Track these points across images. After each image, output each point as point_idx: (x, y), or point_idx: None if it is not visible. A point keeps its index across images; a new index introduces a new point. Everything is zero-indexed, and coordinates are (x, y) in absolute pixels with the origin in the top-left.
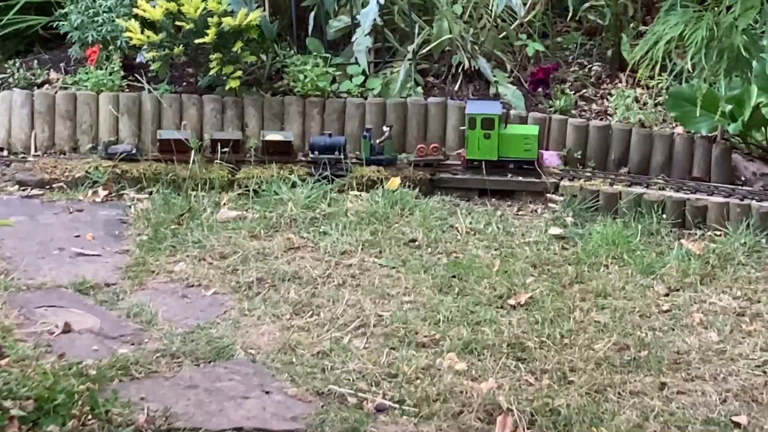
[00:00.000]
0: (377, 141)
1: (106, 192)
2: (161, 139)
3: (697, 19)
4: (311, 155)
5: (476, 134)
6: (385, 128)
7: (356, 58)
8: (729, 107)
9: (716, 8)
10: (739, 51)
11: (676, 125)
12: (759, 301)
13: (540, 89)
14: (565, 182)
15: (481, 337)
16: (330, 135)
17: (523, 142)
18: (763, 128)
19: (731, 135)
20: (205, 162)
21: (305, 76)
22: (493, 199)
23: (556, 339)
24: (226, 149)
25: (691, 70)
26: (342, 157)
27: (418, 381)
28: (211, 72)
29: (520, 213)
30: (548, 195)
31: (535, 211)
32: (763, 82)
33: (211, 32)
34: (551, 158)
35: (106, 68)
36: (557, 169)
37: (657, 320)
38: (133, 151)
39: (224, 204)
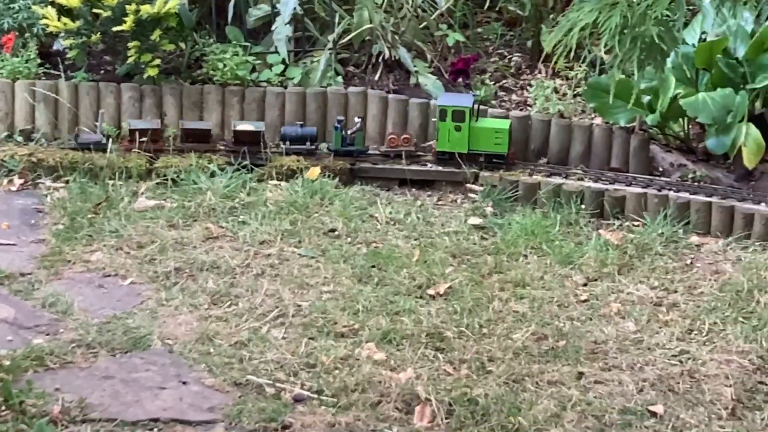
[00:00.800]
0: (349, 132)
1: (21, 181)
2: (132, 129)
3: (611, 6)
4: (282, 145)
5: (447, 126)
6: (356, 119)
7: (276, 47)
8: (647, 98)
9: None
10: (653, 40)
11: (595, 116)
12: (676, 291)
13: (460, 79)
14: (484, 173)
15: (400, 327)
16: (302, 125)
17: (494, 135)
18: (680, 119)
19: (649, 126)
20: (123, 151)
21: (224, 65)
22: (413, 189)
23: (475, 329)
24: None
25: (604, 58)
26: (314, 147)
27: (337, 371)
28: (129, 60)
29: (440, 203)
30: (468, 185)
31: (455, 201)
32: (680, 73)
33: (129, 20)
34: None
35: (22, 56)
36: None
37: (575, 310)
38: (103, 141)
39: (142, 193)
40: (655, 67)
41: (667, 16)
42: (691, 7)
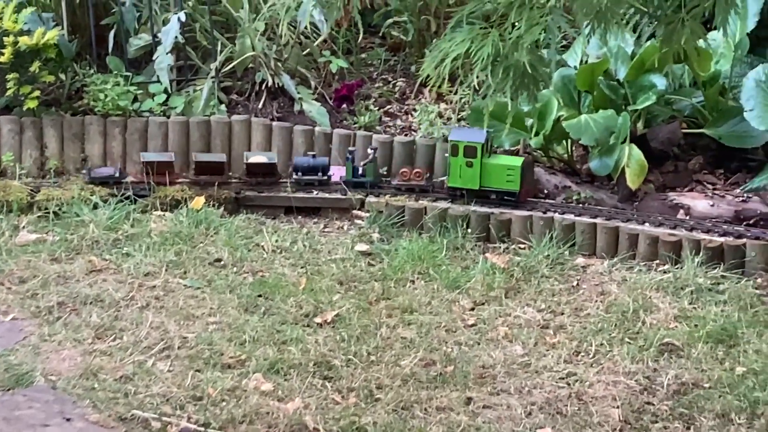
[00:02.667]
0: (361, 163)
1: None
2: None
3: (483, 36)
4: (294, 176)
5: (458, 162)
6: (369, 150)
7: (158, 77)
8: (531, 121)
9: (502, 25)
10: (526, 69)
11: None
12: (562, 313)
13: (344, 106)
14: (371, 198)
15: (287, 356)
16: (314, 156)
17: (506, 172)
18: (564, 141)
19: (533, 148)
20: (2, 185)
21: (106, 95)
22: (300, 217)
23: (363, 356)
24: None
25: (478, 88)
26: (326, 178)
27: (224, 403)
28: (8, 92)
29: (327, 230)
30: (354, 211)
31: (342, 227)
32: (562, 95)
33: (7, 52)
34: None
35: None
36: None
37: (463, 335)
38: (116, 175)
39: (23, 227)
40: (528, 96)
41: (537, 43)
42: (563, 33)
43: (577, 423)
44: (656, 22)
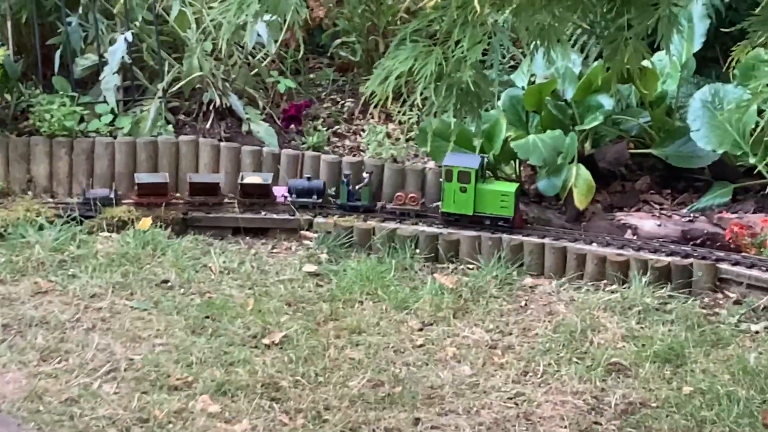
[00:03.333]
0: (356, 187)
1: None
2: (140, 183)
3: (426, 54)
4: (289, 198)
5: (452, 187)
6: (364, 174)
7: (105, 97)
8: (479, 141)
9: (445, 43)
10: (469, 87)
11: (428, 159)
12: (510, 334)
13: (292, 126)
14: (319, 219)
15: (234, 378)
16: (309, 178)
17: (500, 198)
18: (512, 161)
19: None
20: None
21: (52, 116)
22: (248, 237)
23: (311, 377)
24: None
25: (421, 106)
26: (320, 201)
27: (171, 425)
28: None
29: (275, 251)
30: (302, 232)
31: (290, 248)
32: (511, 115)
33: None
34: (279, 194)
35: None
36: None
37: (411, 355)
38: (111, 196)
39: None
40: (471, 115)
41: (481, 61)
42: (512, 54)
43: None
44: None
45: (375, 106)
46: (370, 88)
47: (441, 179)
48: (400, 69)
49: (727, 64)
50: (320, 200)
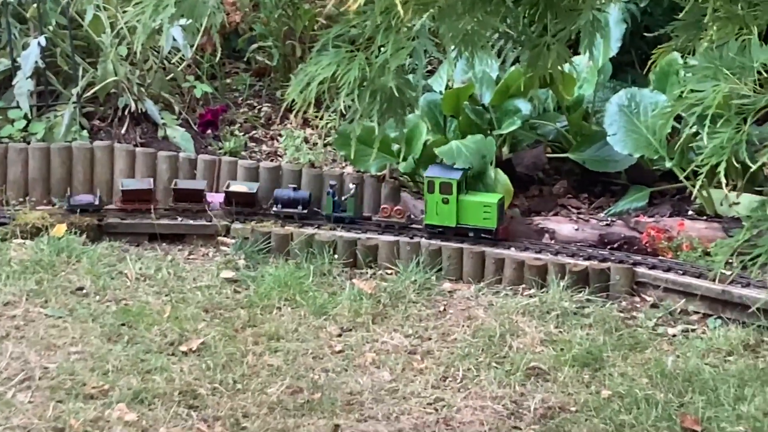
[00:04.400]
0: (342, 198)
1: None
2: (125, 190)
3: (349, 59)
4: (274, 209)
5: (435, 199)
6: (350, 185)
7: (17, 102)
8: (397, 146)
9: (368, 48)
10: (393, 92)
11: (346, 164)
12: (430, 339)
13: (209, 131)
14: (236, 224)
15: (151, 385)
16: (295, 189)
17: (483, 209)
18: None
19: (401, 173)
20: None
21: None
22: (164, 244)
23: (229, 384)
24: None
25: (345, 112)
26: (306, 212)
27: None
28: None
29: (192, 257)
30: (219, 238)
31: (207, 254)
32: (429, 120)
33: None
34: (215, 200)
35: None
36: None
37: (330, 361)
38: (96, 203)
39: None
40: (396, 121)
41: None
42: (429, 58)
43: None
44: (521, 47)
45: (296, 113)
46: (292, 95)
47: (424, 191)
48: (322, 75)
49: (647, 67)
50: (305, 211)
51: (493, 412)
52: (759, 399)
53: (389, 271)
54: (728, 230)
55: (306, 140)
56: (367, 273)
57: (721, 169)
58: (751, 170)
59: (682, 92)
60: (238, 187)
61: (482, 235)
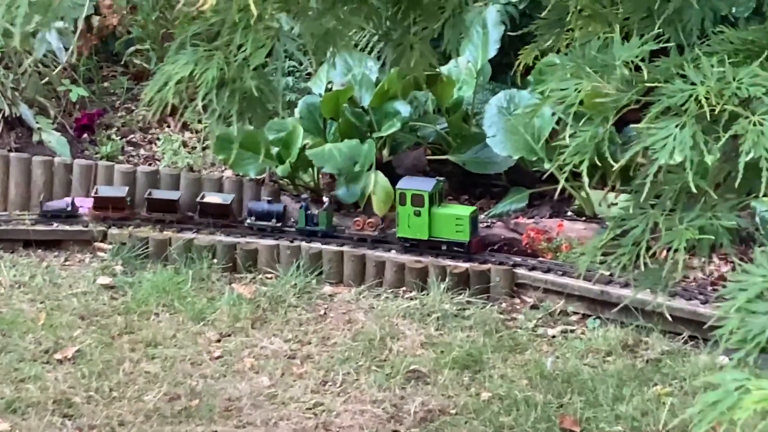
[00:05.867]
0: (316, 211)
1: None
2: (97, 196)
3: (207, 58)
4: (248, 221)
5: (407, 211)
6: (325, 198)
7: None
8: (276, 149)
9: (228, 47)
10: (252, 93)
11: (226, 168)
12: (309, 343)
13: (85, 135)
14: (113, 230)
15: (25, 395)
16: (269, 201)
17: (455, 222)
18: (310, 169)
19: (280, 177)
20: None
21: None
22: (39, 250)
23: (105, 392)
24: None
25: (203, 112)
26: (280, 225)
27: None
28: None
29: (68, 263)
30: (96, 244)
31: (84, 260)
32: (308, 123)
33: None
34: (84, 205)
35: None
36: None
37: (208, 367)
38: (69, 209)
39: None
40: (255, 121)
41: (265, 66)
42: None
43: None
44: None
45: (172, 116)
46: (149, 94)
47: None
48: (180, 74)
49: (514, 69)
50: (279, 224)
51: (373, 416)
52: (637, 399)
53: (269, 276)
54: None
55: (185, 144)
56: (246, 278)
57: (584, 168)
58: (615, 169)
59: (543, 91)
60: (213, 198)
61: (455, 248)
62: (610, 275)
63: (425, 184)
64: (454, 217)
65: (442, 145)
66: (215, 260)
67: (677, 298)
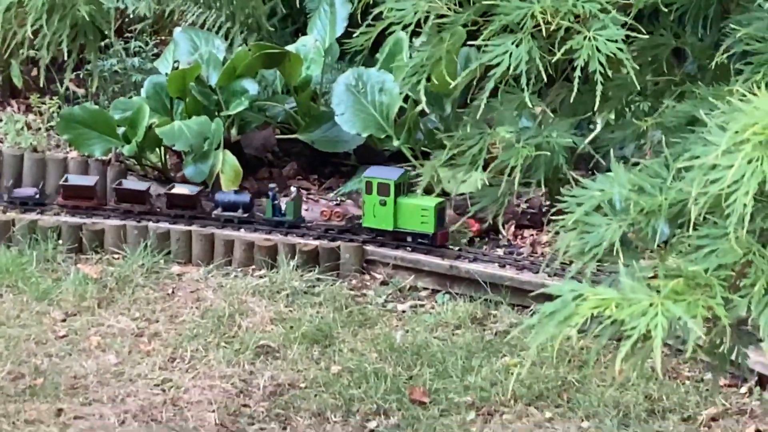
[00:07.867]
0: (283, 201)
1: None
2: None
3: None
4: (215, 212)
5: (372, 200)
6: (292, 189)
7: None
8: (123, 129)
9: None
10: (84, 20)
11: (71, 149)
12: (157, 321)
13: None
14: None
15: None
16: (236, 191)
17: (420, 213)
18: (157, 149)
19: (126, 157)
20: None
21: None
22: None
23: None
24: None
25: (33, 38)
26: (246, 215)
27: None
28: None
29: None
30: None
31: None
32: (155, 102)
33: None
34: None
35: None
36: None
37: (53, 346)
38: (37, 196)
39: None
40: (89, 50)
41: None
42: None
43: (173, 429)
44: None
45: (14, 96)
46: None
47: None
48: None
49: (350, 46)
50: (246, 215)
51: (222, 390)
52: (486, 370)
53: (116, 256)
54: (456, 208)
55: (28, 126)
56: (93, 258)
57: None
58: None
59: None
60: (181, 189)
61: (419, 240)
62: (459, 250)
63: (392, 173)
64: (420, 207)
65: (291, 124)
66: (61, 241)
67: (525, 272)
